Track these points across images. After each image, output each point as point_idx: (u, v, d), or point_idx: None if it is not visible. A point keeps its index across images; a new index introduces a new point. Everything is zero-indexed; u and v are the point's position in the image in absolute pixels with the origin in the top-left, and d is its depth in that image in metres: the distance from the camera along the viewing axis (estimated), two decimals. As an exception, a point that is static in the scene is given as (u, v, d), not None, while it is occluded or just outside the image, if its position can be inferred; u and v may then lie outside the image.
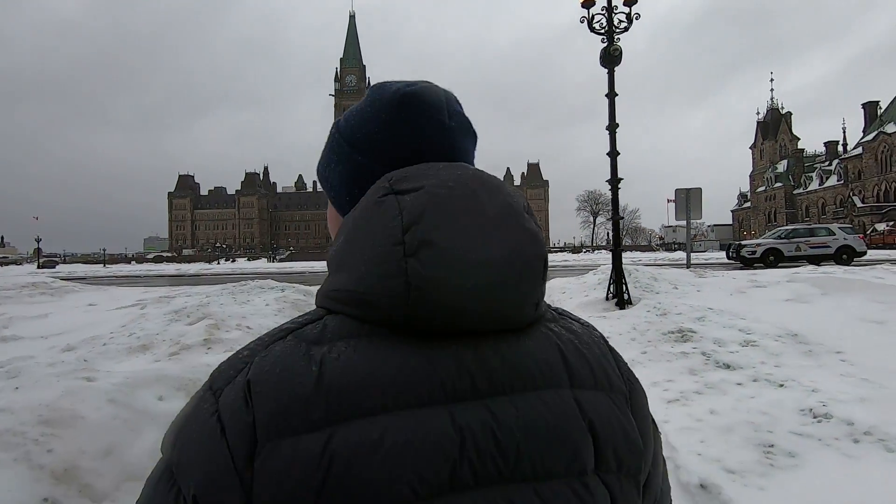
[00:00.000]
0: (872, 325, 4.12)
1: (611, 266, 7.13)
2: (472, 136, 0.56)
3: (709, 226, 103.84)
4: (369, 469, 0.39)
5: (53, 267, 44.39)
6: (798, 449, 2.35)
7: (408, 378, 0.42)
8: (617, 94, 5.63)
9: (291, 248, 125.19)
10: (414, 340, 0.44)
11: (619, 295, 5.50)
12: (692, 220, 8.77)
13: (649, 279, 6.17)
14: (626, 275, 5.60)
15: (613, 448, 0.47)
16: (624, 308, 5.41)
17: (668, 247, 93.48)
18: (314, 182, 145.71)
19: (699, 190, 8.87)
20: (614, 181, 5.65)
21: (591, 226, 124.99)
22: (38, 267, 43.38)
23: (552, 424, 0.44)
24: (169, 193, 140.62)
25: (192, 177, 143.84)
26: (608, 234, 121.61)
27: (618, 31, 5.32)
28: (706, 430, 2.57)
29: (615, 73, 5.57)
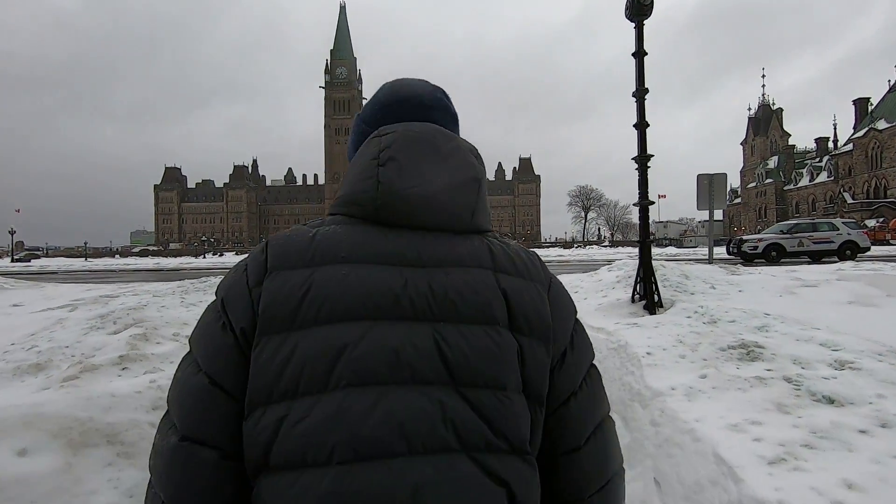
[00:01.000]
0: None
1: (633, 262, 6.22)
2: (450, 116, 0.80)
3: (699, 221, 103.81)
4: (335, 292, 0.60)
5: (29, 261, 42.57)
6: None
7: (372, 246, 0.64)
8: (646, 53, 4.66)
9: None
10: (385, 228, 0.66)
11: (649, 296, 4.55)
12: (708, 210, 7.89)
13: (679, 277, 5.23)
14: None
15: (524, 315, 0.64)
16: (655, 312, 4.47)
17: (659, 242, 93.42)
18: (304, 175, 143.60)
19: (723, 176, 7.98)
20: (643, 157, 4.69)
21: (583, 221, 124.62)
22: (12, 260, 41.57)
23: (472, 287, 0.63)
24: (155, 186, 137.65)
25: (179, 169, 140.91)
26: (599, 229, 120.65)
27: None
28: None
29: (644, 28, 4.60)
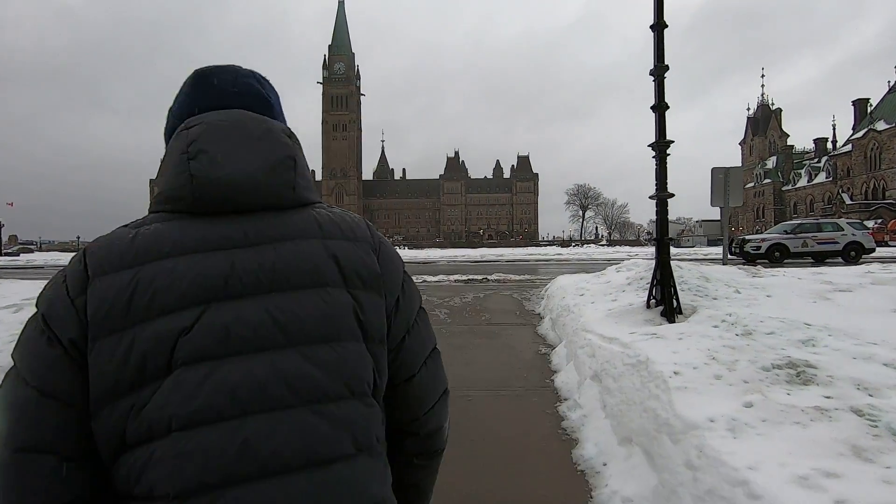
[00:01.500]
0: None
1: (644, 262, 5.69)
2: (262, 101, 0.80)
3: (696, 221, 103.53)
4: (163, 285, 0.62)
5: (18, 255, 41.73)
6: None
7: (197, 236, 0.66)
8: (666, 26, 4.11)
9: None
10: (207, 218, 0.68)
11: (668, 302, 4.00)
12: (722, 206, 7.37)
13: (699, 279, 4.68)
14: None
15: (356, 272, 0.71)
16: (674, 320, 3.93)
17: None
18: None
19: (739, 170, 7.47)
20: (661, 143, 4.13)
21: (580, 220, 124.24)
22: (1, 254, 40.83)
23: (302, 256, 0.68)
24: (150, 181, 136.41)
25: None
26: (597, 228, 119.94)
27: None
28: None
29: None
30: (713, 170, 7.45)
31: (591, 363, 3.55)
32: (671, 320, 3.87)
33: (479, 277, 11.60)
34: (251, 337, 0.63)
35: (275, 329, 0.64)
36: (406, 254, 44.60)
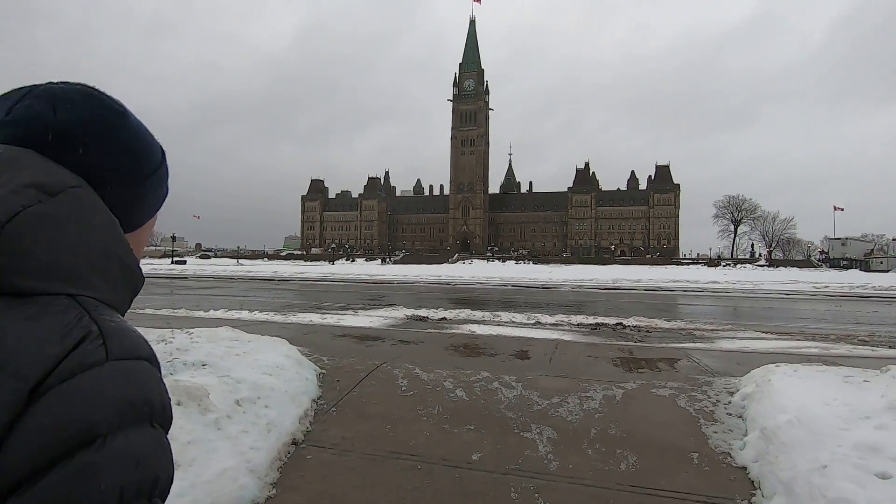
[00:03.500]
0: None
1: None
2: (40, 131, 0.56)
3: (893, 238, 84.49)
4: None
5: (185, 262, 48.33)
6: None
7: None
8: None
9: (405, 251, 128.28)
10: None
11: None
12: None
13: None
14: None
15: None
16: None
17: (834, 263, 77.48)
18: (431, 186, 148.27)
19: None
20: None
21: (732, 236, 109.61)
22: (172, 262, 47.75)
23: None
24: (302, 196, 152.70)
25: (323, 181, 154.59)
26: (752, 245, 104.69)
27: None
28: None
29: None
30: None
31: None
32: None
33: (611, 323, 8.97)
34: None
35: None
36: (528, 271, 41.84)
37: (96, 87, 0.60)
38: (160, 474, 0.48)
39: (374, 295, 15.81)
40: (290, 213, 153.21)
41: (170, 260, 51.53)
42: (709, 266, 78.91)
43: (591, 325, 8.68)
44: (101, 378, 0.46)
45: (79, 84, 0.59)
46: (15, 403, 0.42)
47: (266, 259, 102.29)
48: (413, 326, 8.15)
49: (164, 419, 0.50)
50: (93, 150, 0.57)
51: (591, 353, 5.47)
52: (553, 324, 8.83)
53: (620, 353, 5.54)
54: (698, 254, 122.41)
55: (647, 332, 8.14)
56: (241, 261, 75.13)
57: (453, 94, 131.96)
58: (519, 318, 9.36)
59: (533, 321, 9.03)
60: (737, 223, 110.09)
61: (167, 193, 0.69)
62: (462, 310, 10.49)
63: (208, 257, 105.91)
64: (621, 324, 8.69)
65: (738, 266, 73.98)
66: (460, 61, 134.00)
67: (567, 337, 7.43)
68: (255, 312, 9.34)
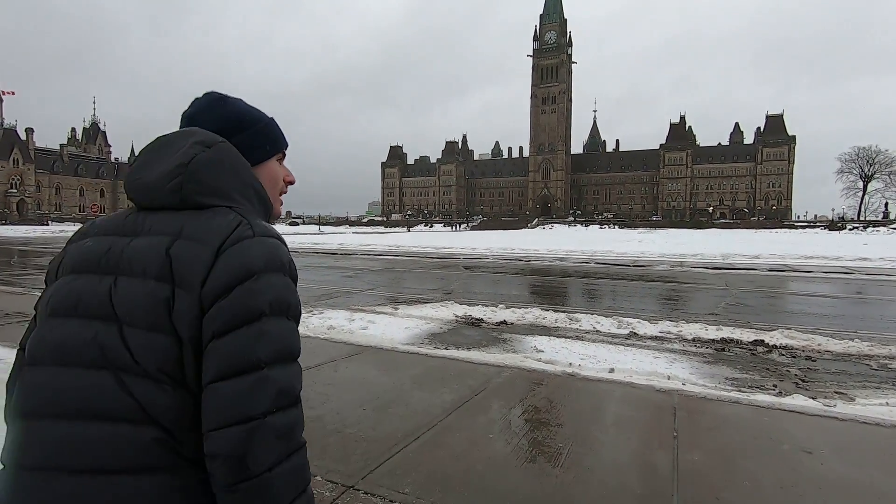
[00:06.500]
0: None
1: None
2: (214, 118, 0.96)
3: None
4: (70, 257, 0.86)
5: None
6: None
7: (114, 224, 0.87)
8: None
9: (482, 216, 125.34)
10: (141, 212, 0.87)
11: None
12: None
13: None
14: None
15: (179, 271, 0.78)
16: None
17: None
18: (510, 148, 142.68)
19: None
20: None
21: (860, 194, 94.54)
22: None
23: (145, 250, 0.80)
24: (382, 163, 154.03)
25: (401, 147, 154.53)
26: (887, 204, 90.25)
27: None
28: None
29: None
30: None
31: None
32: None
33: (745, 339, 5.94)
34: (91, 305, 0.79)
35: (109, 304, 0.78)
36: (614, 238, 36.71)
37: (215, 91, 1.00)
38: (291, 301, 0.81)
39: (430, 277, 13.89)
40: (375, 179, 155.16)
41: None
42: (830, 230, 68.30)
43: (713, 341, 6.01)
44: (253, 244, 0.79)
45: (208, 91, 1.01)
46: (210, 259, 0.77)
47: (348, 226, 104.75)
48: (456, 340, 6.06)
49: (291, 272, 0.83)
50: (207, 123, 0.94)
51: (750, 431, 3.07)
52: (655, 337, 6.28)
53: (800, 429, 3.08)
54: (815, 215, 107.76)
55: (809, 359, 5.36)
56: (322, 228, 77.09)
57: (533, 49, 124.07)
58: (606, 323, 6.92)
59: (626, 330, 6.55)
60: (867, 179, 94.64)
61: (280, 145, 1.01)
62: (529, 307, 8.19)
63: (297, 224, 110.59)
64: (762, 342, 5.91)
65: (870, 230, 63.19)
66: (540, 12, 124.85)
67: (682, 368, 4.94)
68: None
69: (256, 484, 0.72)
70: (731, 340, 6.02)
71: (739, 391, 4.26)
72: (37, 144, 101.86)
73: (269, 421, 0.73)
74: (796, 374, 4.83)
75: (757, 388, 4.44)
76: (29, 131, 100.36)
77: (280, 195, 1.02)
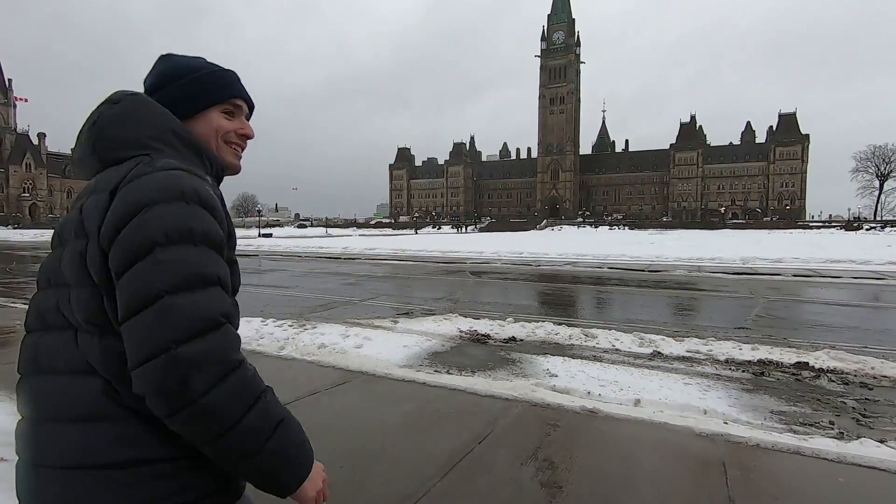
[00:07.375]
0: None
1: None
2: (150, 73, 0.98)
3: None
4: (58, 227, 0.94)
5: (270, 236, 49.07)
6: None
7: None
8: None
9: (490, 217, 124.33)
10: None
11: None
12: None
13: None
14: None
15: (86, 222, 0.83)
16: None
17: None
18: (518, 149, 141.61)
19: None
20: None
21: (876, 193, 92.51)
22: (259, 235, 48.80)
23: (71, 216, 0.88)
24: (389, 165, 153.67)
25: (409, 149, 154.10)
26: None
27: None
28: None
29: None
30: None
31: None
32: None
33: (786, 361, 5.19)
34: (58, 275, 0.86)
35: (61, 273, 0.85)
36: (625, 240, 35.27)
37: (165, 53, 1.00)
38: (195, 227, 0.78)
39: (435, 284, 13.25)
40: (383, 180, 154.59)
41: (257, 233, 53.11)
42: (846, 230, 66.65)
43: (749, 363, 5.30)
44: (147, 179, 0.79)
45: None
46: (105, 203, 0.80)
47: (356, 228, 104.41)
48: (459, 361, 5.43)
49: (200, 199, 0.80)
50: (147, 80, 0.97)
51: (823, 498, 2.40)
52: (682, 357, 5.59)
53: (885, 494, 2.41)
54: (830, 215, 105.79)
55: (865, 386, 4.63)
56: (329, 231, 76.76)
57: (541, 50, 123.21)
58: (625, 340, 6.24)
59: (648, 349, 5.87)
60: (883, 178, 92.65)
61: (219, 95, 0.97)
62: (540, 320, 7.53)
63: (305, 227, 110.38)
64: (806, 364, 5.19)
65: (888, 229, 61.63)
66: (548, 12, 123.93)
67: (719, 399, 4.25)
68: (268, 322, 7.18)
69: (194, 409, 0.73)
70: (770, 362, 5.31)
71: (793, 432, 3.58)
72: (50, 149, 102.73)
73: (183, 351, 0.73)
74: (853, 408, 4.13)
75: (811, 426, 3.76)
76: (41, 136, 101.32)
77: (234, 148, 1.00)
